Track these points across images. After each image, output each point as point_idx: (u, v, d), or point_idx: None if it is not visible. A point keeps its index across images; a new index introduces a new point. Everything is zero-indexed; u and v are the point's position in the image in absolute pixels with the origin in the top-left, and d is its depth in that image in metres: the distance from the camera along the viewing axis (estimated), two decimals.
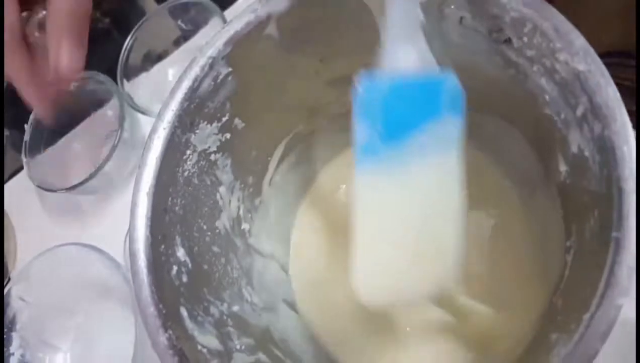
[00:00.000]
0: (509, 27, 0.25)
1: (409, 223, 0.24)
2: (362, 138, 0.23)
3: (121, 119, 0.46)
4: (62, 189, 0.45)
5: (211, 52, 0.28)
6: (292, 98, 0.33)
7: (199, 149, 0.29)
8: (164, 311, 0.24)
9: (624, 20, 0.33)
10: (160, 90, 0.49)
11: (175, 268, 0.27)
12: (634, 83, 0.31)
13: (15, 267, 0.48)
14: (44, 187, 0.46)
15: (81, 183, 0.44)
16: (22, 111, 0.46)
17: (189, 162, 0.29)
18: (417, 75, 0.24)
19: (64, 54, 0.27)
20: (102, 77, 0.48)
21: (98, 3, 0.56)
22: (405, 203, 0.24)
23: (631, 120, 0.22)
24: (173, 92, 0.27)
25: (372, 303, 0.26)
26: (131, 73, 0.49)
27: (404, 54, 0.24)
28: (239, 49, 0.28)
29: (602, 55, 0.23)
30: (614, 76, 0.23)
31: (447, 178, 0.24)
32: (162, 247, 0.26)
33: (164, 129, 0.27)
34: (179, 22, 0.52)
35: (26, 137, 0.48)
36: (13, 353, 0.42)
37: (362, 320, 0.35)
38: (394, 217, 0.24)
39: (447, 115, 0.24)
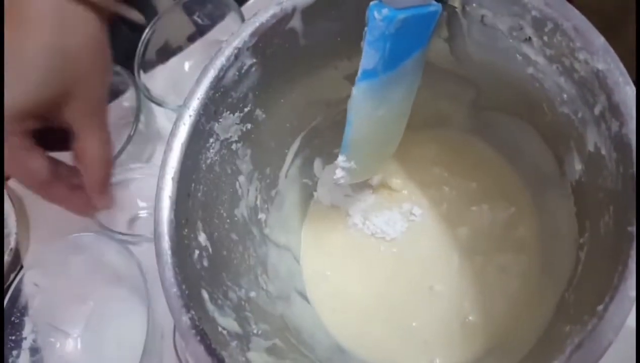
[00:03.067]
0: (530, 26, 0.26)
1: (379, 126, 0.31)
2: (368, 63, 0.27)
3: (137, 110, 0.46)
4: None
5: (237, 42, 0.28)
6: (311, 92, 0.34)
7: (222, 137, 0.30)
8: (186, 292, 0.25)
9: None
10: (177, 83, 0.50)
11: (197, 252, 0.27)
12: None
13: (28, 255, 0.49)
14: None
15: None
16: None
17: (211, 150, 0.29)
18: (420, 6, 0.26)
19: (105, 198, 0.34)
20: (118, 68, 0.49)
21: None
22: (381, 112, 0.30)
23: None
24: (199, 80, 0.28)
25: (349, 181, 0.34)
26: (148, 65, 0.50)
27: None
28: (263, 40, 0.29)
29: None
30: None
31: (410, 93, 0.31)
32: (185, 230, 0.27)
33: (190, 116, 0.27)
34: (196, 16, 0.52)
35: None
36: (25, 338, 0.42)
37: (371, 311, 0.36)
38: (372, 122, 0.30)
39: (428, 43, 0.29)
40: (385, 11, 0.25)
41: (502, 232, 0.35)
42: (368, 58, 0.27)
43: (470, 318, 0.34)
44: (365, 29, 0.26)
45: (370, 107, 0.29)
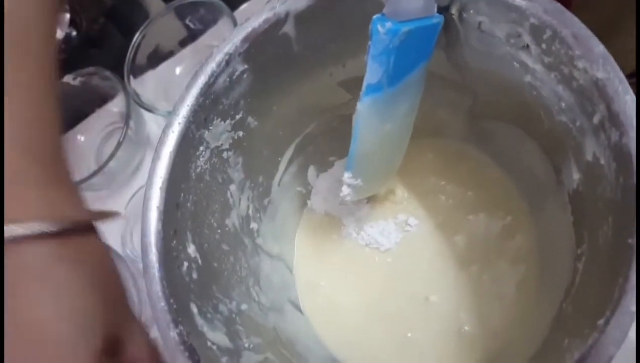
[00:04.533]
0: (528, 33, 0.25)
1: (385, 141, 0.31)
2: (372, 77, 0.26)
3: (127, 116, 0.45)
4: None
5: (228, 48, 0.28)
6: (304, 98, 0.33)
7: (212, 145, 0.29)
8: (174, 306, 0.24)
9: None
10: (167, 88, 0.49)
11: (185, 264, 0.26)
12: None
13: None
14: None
15: (85, 180, 0.44)
16: None
17: (201, 158, 0.28)
18: (423, 18, 0.26)
19: None
20: (108, 73, 0.48)
21: (100, 1, 0.55)
22: (387, 126, 0.29)
23: None
24: (189, 86, 0.27)
25: (355, 198, 0.34)
26: (138, 70, 0.49)
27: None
28: (255, 46, 0.28)
29: (628, 76, 0.23)
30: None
31: (414, 105, 0.30)
32: (174, 242, 0.26)
33: (179, 123, 0.27)
34: (188, 21, 0.52)
35: None
36: None
37: (366, 322, 0.35)
38: (378, 137, 0.30)
39: (431, 55, 0.28)
40: (388, 24, 0.24)
41: (498, 241, 0.34)
42: (372, 72, 0.26)
43: (466, 328, 0.33)
44: (369, 43, 0.26)
45: (376, 121, 0.29)
